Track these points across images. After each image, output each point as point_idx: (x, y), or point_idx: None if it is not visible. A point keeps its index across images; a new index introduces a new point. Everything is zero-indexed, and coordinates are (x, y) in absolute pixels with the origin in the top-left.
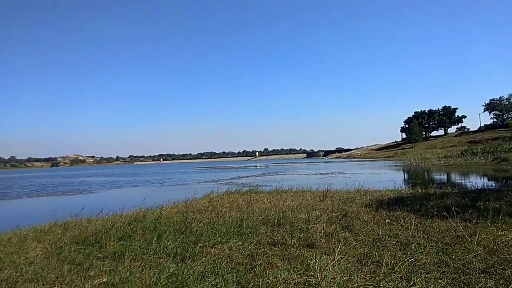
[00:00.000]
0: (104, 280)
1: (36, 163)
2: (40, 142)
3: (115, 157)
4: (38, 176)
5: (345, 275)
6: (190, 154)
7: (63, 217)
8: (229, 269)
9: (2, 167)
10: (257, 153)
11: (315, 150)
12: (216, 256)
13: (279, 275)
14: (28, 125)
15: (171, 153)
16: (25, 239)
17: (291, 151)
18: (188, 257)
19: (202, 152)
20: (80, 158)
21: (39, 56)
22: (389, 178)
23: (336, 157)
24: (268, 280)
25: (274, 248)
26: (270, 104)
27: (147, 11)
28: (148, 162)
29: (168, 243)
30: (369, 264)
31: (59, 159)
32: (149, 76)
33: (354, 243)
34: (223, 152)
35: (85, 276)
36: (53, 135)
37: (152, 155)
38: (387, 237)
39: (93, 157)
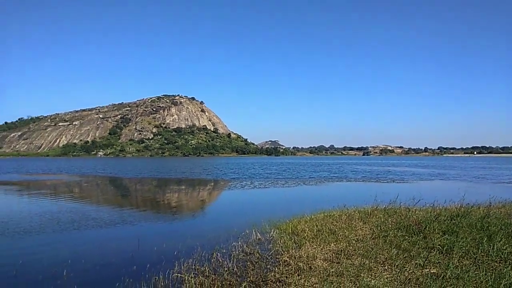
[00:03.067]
0: (433, 271)
1: (350, 151)
2: (353, 132)
3: (423, 148)
4: (359, 163)
5: None
6: None
7: (382, 202)
8: None
9: (323, 153)
10: None
11: None
12: None
13: None
14: (341, 121)
15: (487, 146)
16: (352, 218)
17: None
18: None
19: None
20: (389, 148)
21: None
22: None
23: None
24: None
25: None
26: None
27: None
28: (459, 155)
29: (504, 247)
30: None
31: (369, 148)
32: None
33: None
34: None
35: (413, 263)
36: (365, 127)
37: (464, 147)
38: None
39: (401, 147)
